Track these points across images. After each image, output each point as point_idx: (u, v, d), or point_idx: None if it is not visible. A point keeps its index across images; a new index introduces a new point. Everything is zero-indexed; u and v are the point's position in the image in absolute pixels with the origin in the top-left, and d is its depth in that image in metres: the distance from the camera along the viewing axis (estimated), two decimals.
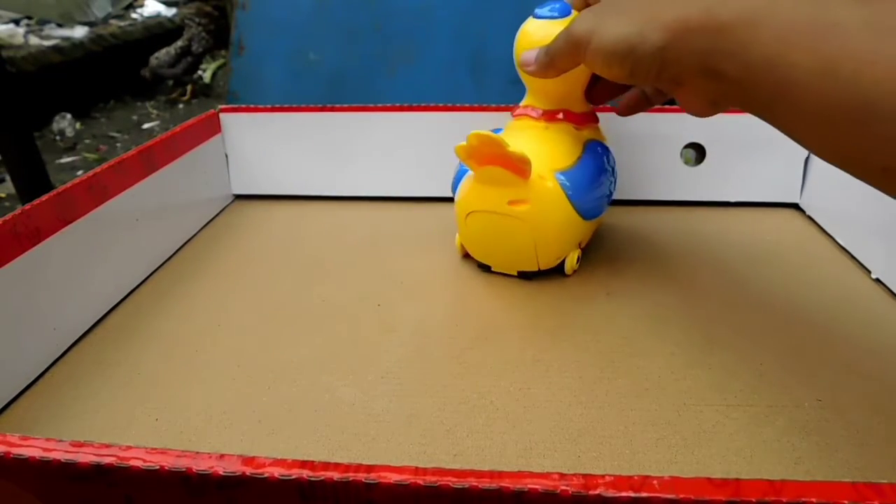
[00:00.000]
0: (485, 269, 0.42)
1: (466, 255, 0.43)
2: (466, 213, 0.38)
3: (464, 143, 0.34)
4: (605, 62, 0.29)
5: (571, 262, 0.40)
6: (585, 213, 0.39)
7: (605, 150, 0.41)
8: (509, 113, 0.50)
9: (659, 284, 0.40)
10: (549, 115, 0.40)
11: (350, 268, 0.43)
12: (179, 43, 2.42)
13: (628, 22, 0.28)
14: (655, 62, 0.27)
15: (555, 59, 0.35)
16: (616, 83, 0.39)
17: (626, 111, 0.40)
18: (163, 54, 2.39)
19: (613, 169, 0.42)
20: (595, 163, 0.40)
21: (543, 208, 0.37)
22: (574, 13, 0.38)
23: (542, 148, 0.38)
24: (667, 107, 0.49)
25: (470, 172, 0.37)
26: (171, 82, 2.56)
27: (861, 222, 0.42)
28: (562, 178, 0.37)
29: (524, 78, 0.41)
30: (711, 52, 0.25)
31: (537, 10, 0.39)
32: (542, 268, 0.39)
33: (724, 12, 0.24)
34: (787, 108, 0.23)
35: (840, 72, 0.21)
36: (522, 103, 0.42)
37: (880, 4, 0.21)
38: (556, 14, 0.38)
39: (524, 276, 0.40)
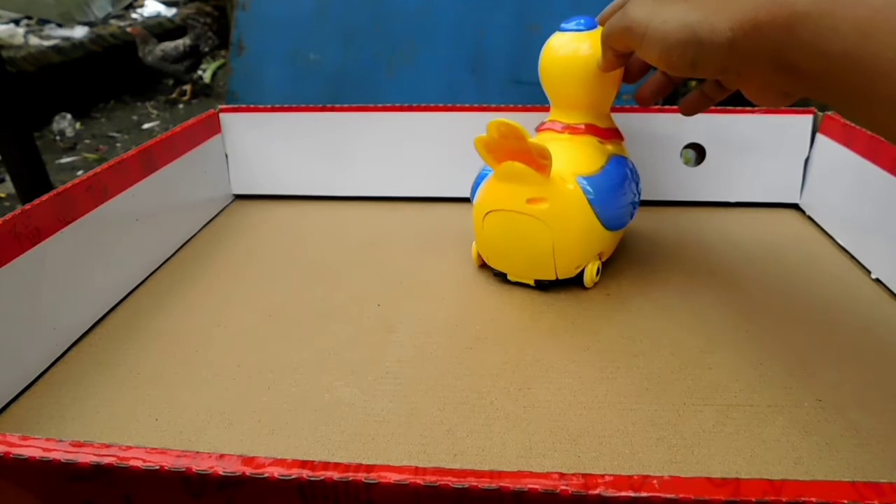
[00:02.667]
0: (501, 277, 0.40)
1: (483, 265, 0.41)
2: (484, 214, 0.37)
3: (483, 134, 0.33)
4: (665, 51, 0.27)
5: (591, 274, 0.39)
6: (607, 222, 0.37)
7: (630, 164, 0.40)
8: (509, 114, 0.51)
9: (659, 284, 0.40)
10: (572, 129, 0.40)
11: (350, 268, 0.43)
12: (188, 41, 2.42)
13: (693, 9, 0.26)
14: (721, 55, 0.25)
15: (607, 41, 0.33)
16: (664, 81, 0.38)
17: (689, 110, 0.37)
18: (171, 49, 2.38)
19: (637, 183, 0.41)
20: (619, 172, 0.39)
21: (563, 209, 0.36)
22: (600, 28, 0.37)
23: (565, 154, 0.38)
24: (666, 107, 0.49)
25: (490, 174, 0.37)
26: (171, 81, 2.56)
27: (861, 222, 0.42)
28: (584, 182, 0.37)
29: (549, 93, 0.40)
30: (785, 46, 0.23)
31: (563, 24, 0.39)
32: (560, 276, 0.38)
33: (797, 3, 0.23)
34: (868, 100, 0.22)
35: None
36: (547, 118, 0.41)
37: None
38: (582, 27, 0.38)
39: (541, 286, 0.39)
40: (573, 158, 0.38)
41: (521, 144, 0.32)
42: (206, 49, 2.51)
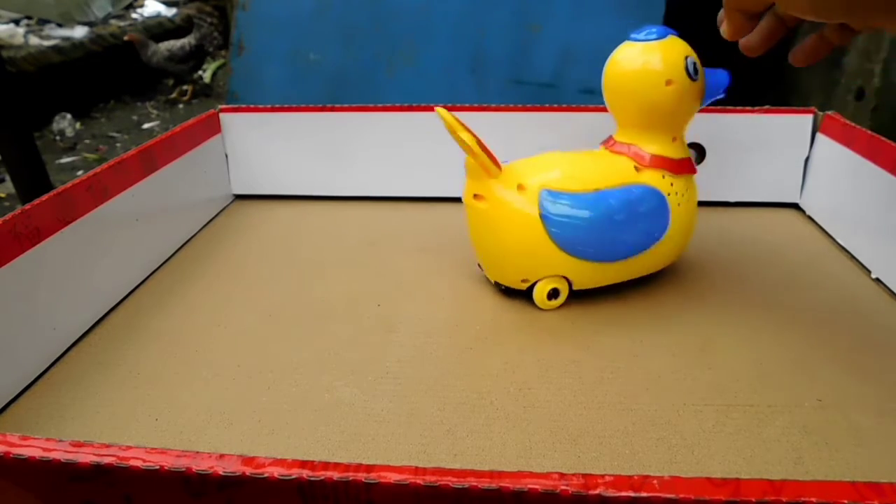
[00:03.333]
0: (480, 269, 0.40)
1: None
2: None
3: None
4: None
5: (540, 294, 0.36)
6: (566, 244, 0.35)
7: (652, 203, 0.36)
8: (509, 114, 0.51)
9: (659, 284, 0.40)
10: (612, 145, 0.37)
11: (350, 268, 0.43)
12: (192, 41, 2.42)
13: None
14: None
15: (737, 3, 0.29)
16: (775, 26, 0.31)
17: (804, 59, 0.33)
18: (177, 48, 2.38)
19: (657, 220, 0.36)
20: (616, 203, 0.35)
21: (500, 214, 0.35)
22: (671, 37, 0.35)
23: (562, 164, 0.36)
24: None
25: None
26: (171, 81, 2.56)
27: (861, 222, 0.42)
28: (548, 195, 0.34)
29: (612, 110, 0.37)
30: None
31: (633, 34, 0.36)
32: (505, 283, 0.37)
33: None
34: None
35: None
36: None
37: None
38: (653, 36, 0.35)
39: (499, 288, 0.39)
40: (565, 170, 0.36)
41: (453, 134, 0.33)
42: (211, 49, 2.51)
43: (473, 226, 0.37)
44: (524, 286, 0.37)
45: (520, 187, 0.35)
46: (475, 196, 0.35)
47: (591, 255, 0.35)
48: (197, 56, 2.45)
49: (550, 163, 0.37)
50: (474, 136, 0.33)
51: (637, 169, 0.36)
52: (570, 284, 0.37)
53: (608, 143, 0.38)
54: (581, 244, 0.35)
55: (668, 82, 0.34)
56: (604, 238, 0.35)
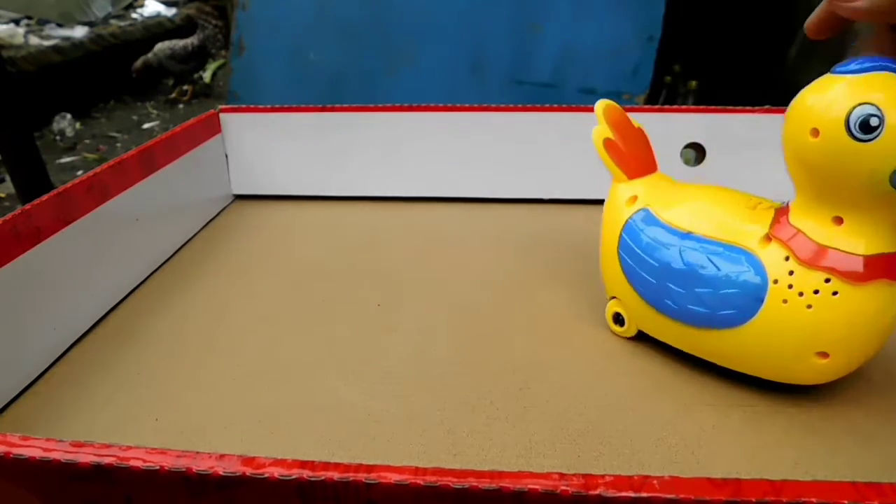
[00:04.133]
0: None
1: None
2: None
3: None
4: None
5: (608, 312, 0.35)
6: (631, 276, 0.32)
7: (734, 270, 0.28)
8: (509, 114, 0.51)
9: None
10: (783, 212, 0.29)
11: (350, 268, 0.43)
12: (195, 41, 2.42)
13: None
14: None
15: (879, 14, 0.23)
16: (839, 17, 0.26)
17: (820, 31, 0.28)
18: (179, 48, 2.38)
19: (711, 293, 0.28)
20: (698, 257, 0.29)
21: (605, 215, 0.34)
22: (873, 73, 0.24)
23: (692, 199, 0.31)
24: (666, 107, 0.49)
25: None
26: (171, 81, 2.55)
27: None
28: (644, 215, 0.32)
29: (792, 174, 0.29)
30: None
31: (838, 67, 0.26)
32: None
33: None
34: None
35: None
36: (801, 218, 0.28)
37: None
38: (869, 67, 0.24)
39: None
40: (688, 206, 0.31)
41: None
42: (214, 50, 2.51)
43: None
44: (607, 295, 0.35)
45: (633, 199, 0.33)
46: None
47: (647, 295, 0.31)
48: (199, 57, 2.45)
49: (691, 193, 0.32)
50: (635, 132, 0.33)
51: (767, 238, 0.28)
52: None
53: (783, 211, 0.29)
54: (639, 277, 0.31)
55: (814, 132, 0.25)
56: (670, 286, 0.30)
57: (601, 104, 0.33)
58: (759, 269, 0.27)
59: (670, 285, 0.30)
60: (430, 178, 0.53)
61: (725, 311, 0.28)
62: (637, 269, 0.31)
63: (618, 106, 0.33)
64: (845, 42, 1.13)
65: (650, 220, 0.31)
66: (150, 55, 2.36)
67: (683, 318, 0.30)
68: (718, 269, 0.28)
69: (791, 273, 0.26)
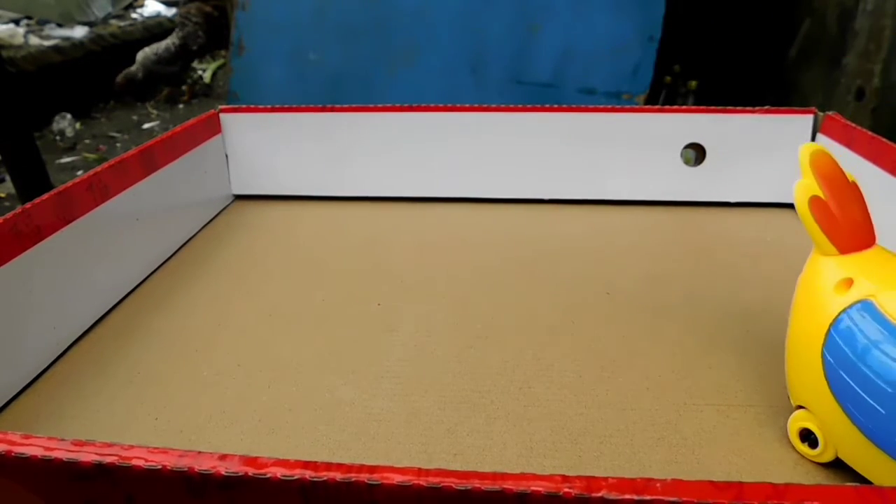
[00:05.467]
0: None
1: None
2: None
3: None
4: None
5: (793, 425, 0.26)
6: (839, 392, 0.23)
7: None
8: (509, 114, 0.51)
9: (659, 284, 0.40)
10: None
11: (350, 268, 0.43)
12: (176, 41, 2.41)
13: None
14: None
15: None
16: None
17: None
18: (162, 49, 2.37)
19: None
20: None
21: (802, 293, 0.26)
22: None
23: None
24: (666, 107, 0.49)
25: None
26: (164, 91, 2.53)
27: None
28: (863, 307, 0.22)
29: None
30: None
31: None
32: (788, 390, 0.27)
33: None
34: None
35: None
36: None
37: None
38: None
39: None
40: None
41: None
42: (195, 48, 2.49)
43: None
44: (793, 403, 0.26)
45: (848, 282, 0.24)
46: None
47: (857, 419, 0.22)
48: (183, 56, 2.43)
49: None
50: (850, 189, 0.25)
51: None
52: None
53: None
54: (842, 388, 0.23)
55: None
56: (880, 408, 0.21)
57: (808, 150, 0.25)
58: None
59: None
60: (430, 178, 0.53)
61: None
62: (853, 386, 0.22)
63: (828, 153, 0.25)
64: (846, 42, 1.13)
65: (878, 318, 0.22)
66: (133, 68, 2.34)
67: None
68: None
69: None
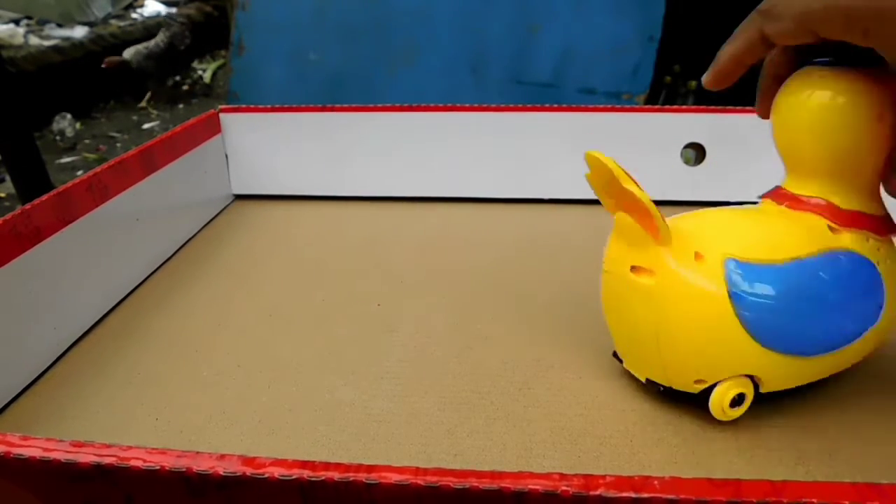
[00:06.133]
0: (617, 360, 0.31)
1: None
2: (603, 270, 0.29)
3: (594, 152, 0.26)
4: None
5: (721, 401, 0.27)
6: (763, 335, 0.26)
7: (864, 275, 0.27)
8: (509, 114, 0.51)
9: None
10: (794, 202, 0.28)
11: (350, 268, 0.43)
12: (165, 39, 2.39)
13: None
14: None
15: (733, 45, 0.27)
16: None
17: (724, 81, 0.29)
18: (152, 45, 2.35)
19: (869, 298, 0.27)
20: (827, 273, 0.26)
21: (674, 293, 0.26)
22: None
23: (742, 228, 0.28)
24: (666, 107, 0.49)
25: None
26: (148, 96, 2.48)
27: None
28: (734, 267, 0.26)
29: (781, 151, 0.29)
30: None
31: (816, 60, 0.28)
32: (671, 384, 0.28)
33: None
34: None
35: None
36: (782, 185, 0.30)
37: None
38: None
39: (652, 385, 0.29)
40: (748, 235, 0.27)
41: (617, 185, 0.25)
42: (182, 48, 2.47)
43: (622, 306, 0.29)
44: (697, 389, 0.27)
45: (697, 256, 0.26)
46: (634, 268, 0.27)
47: (794, 347, 0.27)
48: (171, 56, 2.41)
49: (723, 223, 0.29)
50: (623, 176, 0.25)
51: (832, 230, 0.27)
52: (756, 387, 0.28)
53: (779, 195, 0.29)
54: (783, 332, 0.26)
55: (881, 117, 0.26)
56: (814, 324, 0.27)
57: (597, 156, 0.26)
58: (866, 261, 0.27)
59: (831, 319, 0.27)
60: (430, 178, 0.53)
61: (872, 314, 0.27)
62: (781, 325, 0.26)
63: (600, 160, 0.26)
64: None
65: (749, 268, 0.26)
66: (125, 55, 2.31)
67: (844, 343, 0.27)
68: (854, 278, 0.27)
69: (879, 249, 0.27)
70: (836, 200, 0.28)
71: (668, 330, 0.27)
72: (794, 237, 0.27)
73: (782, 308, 0.26)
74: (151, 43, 2.35)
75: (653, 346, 0.28)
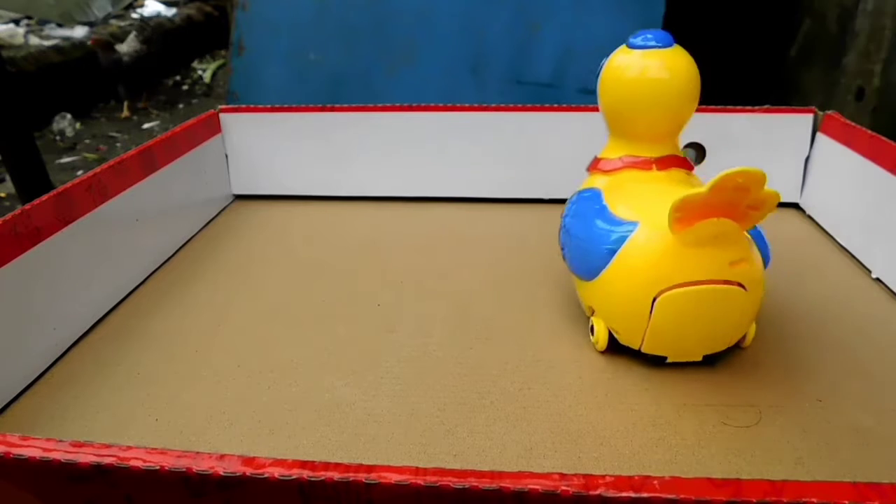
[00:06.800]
0: (655, 361, 0.32)
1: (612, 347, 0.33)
2: (657, 293, 0.28)
3: (697, 191, 0.25)
4: None
5: (752, 332, 0.32)
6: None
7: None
8: (509, 114, 0.51)
9: None
10: (662, 163, 0.33)
11: (350, 268, 0.43)
12: (136, 47, 2.35)
13: None
14: None
15: None
16: None
17: None
18: (144, 51, 2.32)
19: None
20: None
21: (758, 265, 0.29)
22: (676, 45, 0.32)
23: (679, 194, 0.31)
24: None
25: (635, 234, 0.29)
26: (125, 107, 2.42)
27: (861, 222, 0.42)
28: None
29: (611, 120, 0.34)
30: None
31: (631, 39, 0.33)
32: (731, 344, 0.31)
33: None
34: None
35: None
36: (613, 154, 0.34)
37: None
38: (652, 43, 0.32)
39: (709, 360, 0.31)
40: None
41: (747, 195, 0.26)
42: (142, 65, 2.40)
43: (723, 303, 0.28)
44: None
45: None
46: (734, 263, 0.28)
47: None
48: (147, 61, 2.37)
49: (664, 194, 0.29)
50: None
51: (688, 174, 0.33)
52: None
53: (635, 162, 0.33)
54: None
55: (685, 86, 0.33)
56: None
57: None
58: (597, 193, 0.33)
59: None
60: (430, 178, 0.53)
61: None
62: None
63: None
64: (845, 42, 1.13)
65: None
66: (116, 53, 2.25)
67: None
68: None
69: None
70: (677, 152, 0.34)
71: (757, 298, 0.29)
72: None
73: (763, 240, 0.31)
74: (136, 47, 2.32)
75: (744, 324, 0.31)
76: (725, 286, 0.28)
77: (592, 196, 0.33)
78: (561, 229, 0.35)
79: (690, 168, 0.34)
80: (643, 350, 0.31)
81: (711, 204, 0.26)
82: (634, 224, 0.29)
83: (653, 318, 0.29)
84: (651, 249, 0.28)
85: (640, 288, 0.29)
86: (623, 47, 0.33)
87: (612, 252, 0.29)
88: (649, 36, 0.32)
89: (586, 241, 0.31)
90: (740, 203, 0.26)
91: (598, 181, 0.34)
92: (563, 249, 0.35)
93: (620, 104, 0.33)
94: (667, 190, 0.30)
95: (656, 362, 0.31)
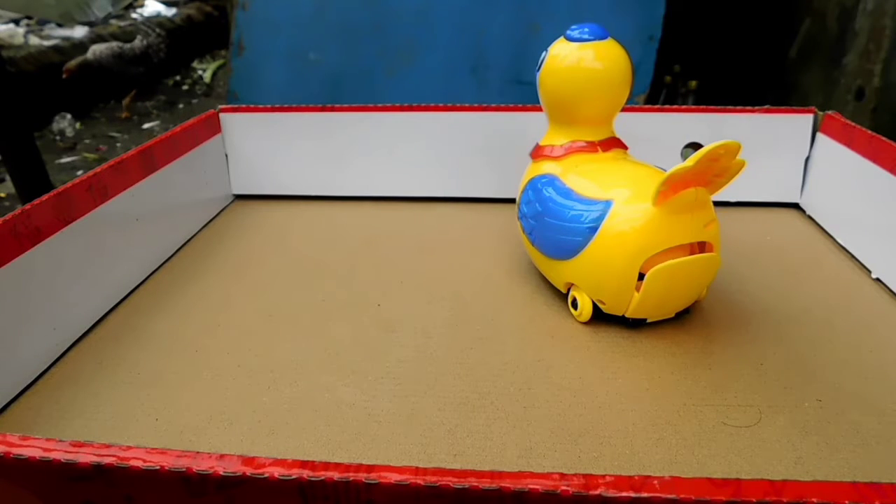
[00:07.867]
0: (636, 324, 0.35)
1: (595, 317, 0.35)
2: (644, 261, 0.31)
3: (683, 164, 0.29)
4: None
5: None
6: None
7: None
8: (509, 114, 0.51)
9: None
10: (605, 145, 0.36)
11: (350, 268, 0.43)
12: (141, 45, 2.35)
13: None
14: None
15: None
16: None
17: None
18: (127, 48, 2.31)
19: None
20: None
21: (719, 222, 0.33)
22: (610, 39, 0.35)
23: (640, 174, 0.34)
24: (666, 107, 0.49)
25: (613, 210, 0.32)
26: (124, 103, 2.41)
27: (861, 222, 0.42)
28: None
29: (554, 108, 0.37)
30: None
31: (568, 32, 0.36)
32: (698, 299, 0.35)
33: None
34: None
35: None
36: (557, 141, 0.37)
37: None
38: (588, 36, 0.35)
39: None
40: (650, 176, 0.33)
41: (717, 164, 0.30)
42: (156, 60, 2.41)
43: (697, 265, 0.32)
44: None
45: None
46: (707, 224, 0.32)
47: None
48: (144, 63, 2.37)
49: (625, 174, 0.35)
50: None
51: (624, 153, 0.37)
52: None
53: (580, 147, 0.36)
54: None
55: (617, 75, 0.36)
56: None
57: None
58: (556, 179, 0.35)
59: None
60: (430, 178, 0.53)
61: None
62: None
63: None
64: (845, 42, 1.13)
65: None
66: (87, 54, 2.25)
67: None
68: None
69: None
70: (614, 133, 0.37)
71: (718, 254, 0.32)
72: (645, 167, 0.34)
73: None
74: (126, 46, 2.31)
75: (709, 280, 0.34)
76: (708, 255, 0.32)
77: (551, 181, 0.35)
78: (521, 219, 0.37)
79: (626, 148, 0.37)
80: (627, 315, 0.33)
81: (691, 176, 0.29)
82: (608, 203, 0.32)
83: (643, 288, 0.31)
84: (635, 221, 0.31)
85: (628, 258, 0.31)
86: (562, 39, 0.36)
87: (593, 230, 0.32)
88: (586, 29, 0.35)
89: (562, 224, 0.33)
90: (710, 171, 0.30)
91: (547, 167, 0.36)
92: (528, 236, 0.37)
93: (562, 92, 0.36)
94: (621, 168, 0.35)
95: (636, 325, 0.34)
